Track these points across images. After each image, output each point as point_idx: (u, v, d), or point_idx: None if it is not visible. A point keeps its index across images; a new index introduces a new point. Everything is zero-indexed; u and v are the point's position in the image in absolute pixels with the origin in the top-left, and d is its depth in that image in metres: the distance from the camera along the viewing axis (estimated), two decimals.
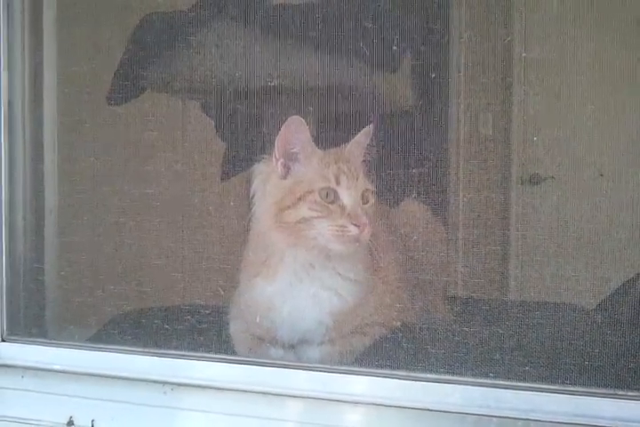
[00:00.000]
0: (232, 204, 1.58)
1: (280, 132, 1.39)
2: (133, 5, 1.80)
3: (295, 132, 1.38)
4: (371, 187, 1.42)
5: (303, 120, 1.37)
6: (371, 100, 1.60)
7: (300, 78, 1.60)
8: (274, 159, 1.41)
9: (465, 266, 1.53)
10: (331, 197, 1.36)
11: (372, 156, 1.47)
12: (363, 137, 1.45)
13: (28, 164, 1.68)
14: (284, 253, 1.42)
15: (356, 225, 1.33)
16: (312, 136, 1.42)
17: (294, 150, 1.40)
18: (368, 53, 1.53)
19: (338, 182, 1.37)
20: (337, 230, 1.34)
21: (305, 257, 1.40)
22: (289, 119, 1.37)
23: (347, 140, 1.47)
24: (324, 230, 1.35)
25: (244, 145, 1.73)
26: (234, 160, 1.77)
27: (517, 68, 1.66)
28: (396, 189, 1.52)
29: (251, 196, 1.47)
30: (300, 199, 1.37)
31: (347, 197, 1.37)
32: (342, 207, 1.36)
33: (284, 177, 1.41)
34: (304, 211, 1.36)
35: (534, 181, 1.85)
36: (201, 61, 1.68)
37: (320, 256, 1.39)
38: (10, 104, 1.62)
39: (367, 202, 1.40)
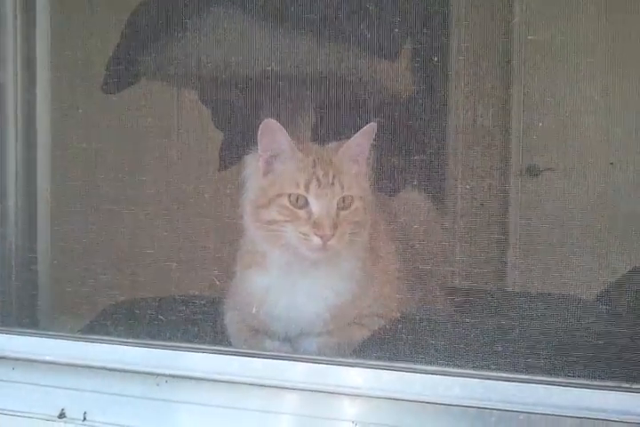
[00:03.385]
0: (228, 192, 1.55)
1: (258, 133, 1.37)
2: None
3: (270, 135, 1.36)
4: (357, 192, 1.38)
5: (276, 123, 1.35)
6: (370, 86, 1.58)
7: (299, 65, 1.58)
8: (258, 155, 1.40)
9: (466, 256, 1.51)
10: (301, 202, 1.34)
11: (371, 154, 1.44)
12: (365, 137, 1.40)
13: (20, 150, 1.67)
14: (266, 250, 1.41)
15: (318, 236, 1.31)
16: (309, 127, 1.39)
17: (272, 152, 1.38)
18: (368, 38, 1.50)
19: (307, 190, 1.34)
20: (300, 237, 1.32)
21: (287, 256, 1.39)
22: (262, 123, 1.35)
23: (345, 128, 1.44)
24: (290, 235, 1.33)
25: (242, 134, 1.70)
26: (231, 149, 1.75)
27: (520, 51, 1.63)
28: (395, 177, 1.50)
29: (240, 186, 1.46)
30: (270, 201, 1.36)
31: (315, 205, 1.34)
32: (310, 214, 1.33)
33: (265, 175, 1.39)
34: (273, 213, 1.35)
35: (534, 171, 1.83)
36: (197, 48, 1.66)
37: (298, 256, 1.37)
38: (2, 88, 1.60)
39: (347, 208, 1.36)
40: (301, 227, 1.32)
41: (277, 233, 1.35)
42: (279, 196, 1.35)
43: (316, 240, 1.31)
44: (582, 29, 1.39)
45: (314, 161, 1.38)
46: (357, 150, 1.41)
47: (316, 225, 1.32)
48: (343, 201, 1.36)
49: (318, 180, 1.35)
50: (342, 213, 1.35)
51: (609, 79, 1.41)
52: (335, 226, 1.32)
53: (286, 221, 1.34)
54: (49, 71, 1.72)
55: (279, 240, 1.35)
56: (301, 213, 1.34)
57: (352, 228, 1.36)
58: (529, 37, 1.47)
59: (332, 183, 1.35)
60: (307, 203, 1.34)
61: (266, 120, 1.35)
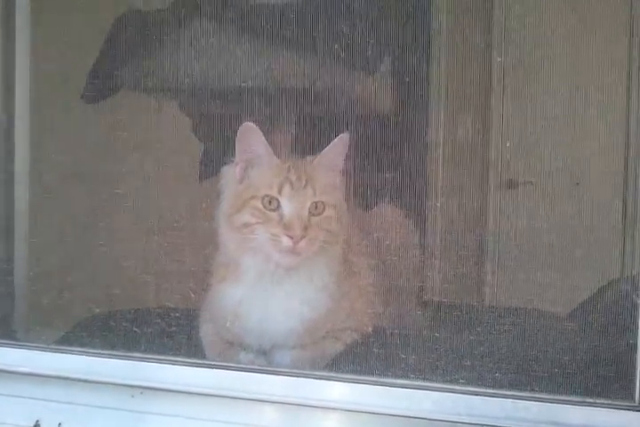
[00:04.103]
0: (204, 205, 1.56)
1: (237, 138, 1.39)
2: (109, 3, 1.78)
3: (248, 138, 1.38)
4: (327, 199, 1.40)
5: (255, 126, 1.37)
6: (347, 103, 1.60)
7: (277, 79, 1.59)
8: (235, 163, 1.42)
9: (438, 271, 1.53)
10: (274, 204, 1.36)
11: (350, 165, 1.47)
12: (337, 147, 1.43)
13: None
14: (239, 259, 1.42)
15: (289, 236, 1.32)
16: (287, 142, 1.41)
17: (250, 156, 1.40)
18: (345, 56, 1.53)
19: (280, 192, 1.36)
20: (271, 239, 1.34)
21: (260, 264, 1.40)
22: (241, 126, 1.37)
23: (322, 143, 1.46)
24: (262, 237, 1.35)
25: (222, 146, 1.72)
26: (211, 160, 1.76)
27: (495, 73, 1.67)
28: (370, 192, 1.52)
29: (217, 197, 1.47)
30: (244, 204, 1.37)
31: (287, 207, 1.36)
32: (282, 216, 1.35)
33: (241, 182, 1.41)
34: (246, 216, 1.37)
35: (511, 187, 1.86)
36: (177, 61, 1.67)
37: (270, 264, 1.38)
38: None
39: (319, 214, 1.38)
40: (272, 228, 1.34)
41: (250, 237, 1.36)
42: (252, 198, 1.37)
43: (286, 241, 1.32)
44: (552, 53, 1.42)
45: (289, 167, 1.40)
46: (331, 161, 1.44)
47: (286, 226, 1.33)
48: (315, 207, 1.38)
49: (291, 183, 1.37)
50: (314, 218, 1.37)
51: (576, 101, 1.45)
52: (305, 228, 1.34)
53: (258, 223, 1.35)
54: (28, 83, 1.72)
55: (250, 243, 1.36)
56: (273, 215, 1.35)
57: (324, 235, 1.37)
58: (498, 59, 1.50)
59: (305, 187, 1.38)
60: (279, 206, 1.36)
61: (245, 123, 1.37)
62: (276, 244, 1.33)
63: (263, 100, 1.58)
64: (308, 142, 1.53)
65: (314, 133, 1.56)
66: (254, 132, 1.37)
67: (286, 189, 1.36)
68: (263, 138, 1.38)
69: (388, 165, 1.52)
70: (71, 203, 1.72)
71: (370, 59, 1.63)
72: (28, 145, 1.73)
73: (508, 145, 1.48)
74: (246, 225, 1.36)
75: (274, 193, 1.36)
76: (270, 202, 1.36)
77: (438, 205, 1.51)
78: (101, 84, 1.76)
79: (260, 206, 1.36)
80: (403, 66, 1.57)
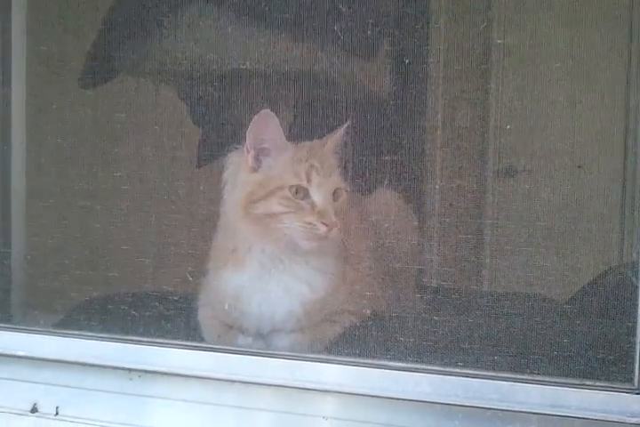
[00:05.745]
0: (202, 189, 1.56)
1: (250, 126, 1.37)
2: None
3: (265, 126, 1.37)
4: (343, 185, 1.41)
5: (274, 114, 1.36)
6: (345, 86, 1.59)
7: (276, 63, 1.58)
8: (245, 151, 1.40)
9: (436, 255, 1.53)
10: (301, 194, 1.36)
11: (345, 150, 1.47)
12: (342, 133, 1.45)
13: None
14: (251, 244, 1.41)
15: (324, 224, 1.33)
16: (285, 126, 1.41)
17: (265, 145, 1.39)
18: (343, 39, 1.51)
19: (309, 180, 1.36)
20: (305, 227, 1.34)
21: (273, 250, 1.40)
22: (259, 113, 1.36)
23: (320, 128, 1.46)
24: (293, 226, 1.34)
25: (220, 131, 1.71)
26: (210, 146, 1.75)
27: (494, 55, 1.66)
28: (369, 176, 1.51)
29: (222, 185, 1.46)
30: (270, 194, 1.36)
31: (317, 195, 1.36)
32: (312, 205, 1.35)
33: (255, 170, 1.40)
34: (274, 206, 1.36)
35: (510, 171, 1.85)
36: (174, 44, 1.66)
37: (288, 250, 1.39)
38: None
39: (338, 199, 1.39)
40: (306, 217, 1.34)
41: (275, 226, 1.35)
42: (280, 188, 1.36)
43: (323, 229, 1.33)
44: (552, 35, 1.41)
45: (306, 153, 1.40)
46: (336, 146, 1.45)
47: (321, 214, 1.33)
48: (334, 193, 1.39)
49: (317, 171, 1.37)
50: (335, 204, 1.38)
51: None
52: (336, 215, 1.35)
53: (288, 213, 1.35)
54: (24, 67, 1.71)
55: (276, 233, 1.36)
56: (303, 203, 1.35)
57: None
58: (498, 41, 1.49)
59: (330, 175, 1.38)
60: (307, 194, 1.36)
61: (263, 111, 1.35)
62: (310, 231, 1.33)
63: (260, 85, 1.57)
64: (306, 126, 1.52)
65: (312, 117, 1.55)
66: (272, 119, 1.36)
67: (314, 177, 1.36)
68: (279, 125, 1.37)
69: (386, 150, 1.52)
70: (68, 186, 1.71)
71: (368, 44, 1.61)
72: (24, 129, 1.73)
73: (508, 127, 1.47)
74: (274, 214, 1.35)
75: (303, 183, 1.36)
76: (297, 191, 1.36)
77: (437, 188, 1.51)
78: (97, 70, 1.75)
79: (290, 195, 1.35)
80: (401, 49, 1.56)
